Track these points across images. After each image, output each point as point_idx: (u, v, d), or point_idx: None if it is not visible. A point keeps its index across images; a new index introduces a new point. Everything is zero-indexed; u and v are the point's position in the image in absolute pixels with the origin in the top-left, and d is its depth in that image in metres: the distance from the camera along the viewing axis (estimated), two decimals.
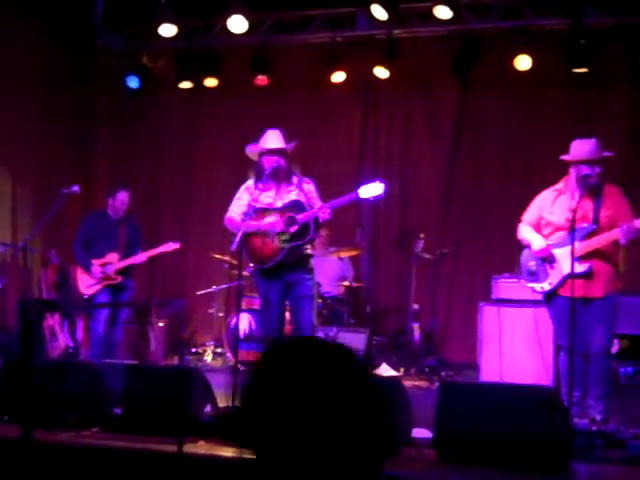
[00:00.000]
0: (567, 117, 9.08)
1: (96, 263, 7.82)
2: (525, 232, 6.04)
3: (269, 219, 6.04)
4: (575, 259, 5.51)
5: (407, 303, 8.48)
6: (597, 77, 8.77)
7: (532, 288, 6.03)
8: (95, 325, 7.84)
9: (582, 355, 5.68)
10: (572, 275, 5.42)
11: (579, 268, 5.60)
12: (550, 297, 5.94)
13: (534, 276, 5.98)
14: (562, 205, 5.79)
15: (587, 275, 5.64)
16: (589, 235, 5.66)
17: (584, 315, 5.63)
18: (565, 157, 5.86)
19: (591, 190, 5.71)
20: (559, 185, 5.96)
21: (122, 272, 7.87)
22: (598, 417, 5.49)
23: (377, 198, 5.84)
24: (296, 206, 6.07)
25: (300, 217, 5.97)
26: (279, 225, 6.01)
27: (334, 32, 9.55)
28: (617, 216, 5.64)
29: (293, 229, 5.98)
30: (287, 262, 6.07)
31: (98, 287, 7.81)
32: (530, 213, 6.07)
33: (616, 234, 5.58)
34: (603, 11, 8.58)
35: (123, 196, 8.05)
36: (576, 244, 5.54)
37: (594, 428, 4.79)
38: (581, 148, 5.82)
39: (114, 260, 7.84)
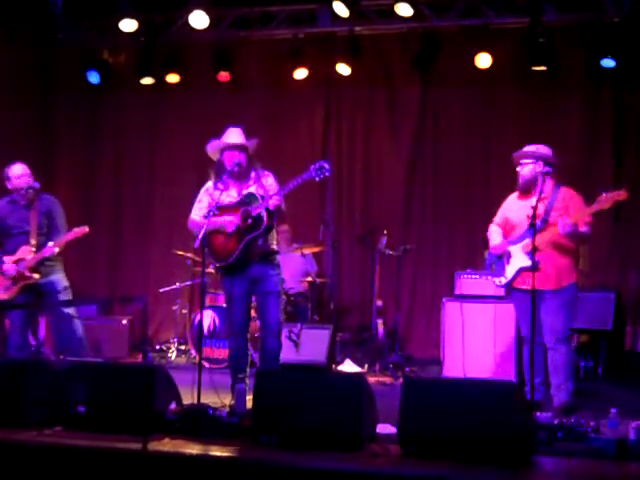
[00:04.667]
0: (527, 114, 9.18)
1: (8, 261, 6.85)
2: (490, 232, 6.54)
3: (227, 217, 6.05)
4: (527, 253, 6.00)
5: (371, 299, 8.50)
6: (556, 75, 8.87)
7: (494, 282, 6.47)
8: (11, 334, 6.96)
9: (540, 344, 6.03)
10: (523, 269, 6.12)
11: (528, 262, 6.01)
12: (509, 290, 6.41)
13: (496, 271, 6.45)
14: (520, 205, 6.27)
15: (536, 268, 5.79)
16: (538, 231, 5.89)
17: (539, 306, 5.98)
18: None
19: (522, 188, 6.27)
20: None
21: (38, 270, 6.86)
22: (562, 406, 5.93)
23: (324, 177, 5.88)
24: (250, 199, 6.09)
25: (254, 209, 6.00)
26: (236, 220, 6.03)
27: (296, 28, 9.54)
28: (568, 214, 5.98)
29: (249, 222, 6.00)
30: (251, 257, 6.08)
31: (14, 289, 6.84)
32: (498, 215, 6.55)
33: (557, 229, 5.95)
34: (562, 10, 8.69)
35: (16, 170, 6.88)
36: (527, 240, 6.00)
37: (556, 421, 4.85)
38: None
39: (27, 255, 6.81)
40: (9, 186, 6.98)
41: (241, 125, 6.32)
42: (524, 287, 6.07)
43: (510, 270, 6.28)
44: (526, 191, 6.24)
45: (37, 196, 6.97)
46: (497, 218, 6.53)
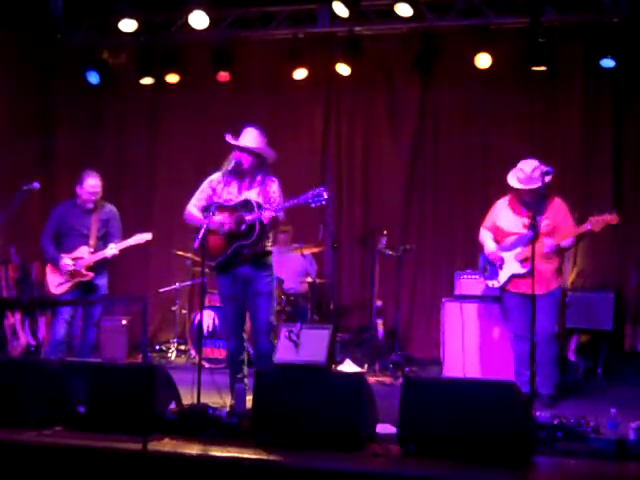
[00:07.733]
0: (527, 114, 9.17)
1: (66, 258, 7.25)
2: (482, 236, 7.07)
3: (219, 217, 6.03)
4: (520, 261, 6.66)
5: (370, 299, 8.51)
6: (556, 75, 8.87)
7: (486, 284, 7.03)
8: (55, 327, 7.29)
9: (530, 341, 6.19)
10: (514, 275, 6.72)
11: (520, 270, 6.66)
12: (502, 292, 6.92)
13: (488, 274, 6.98)
14: (514, 216, 6.79)
15: (527, 275, 6.39)
16: (530, 241, 6.28)
17: (529, 308, 6.10)
18: (513, 184, 6.73)
19: (533, 203, 6.56)
20: (508, 196, 6.91)
21: (93, 269, 7.27)
22: (547, 396, 6.47)
23: (319, 205, 5.86)
24: (246, 205, 6.07)
25: (248, 217, 5.98)
26: (230, 223, 6.02)
27: (295, 29, 9.53)
28: (557, 225, 6.56)
29: (242, 228, 5.99)
30: (239, 262, 6.08)
31: (68, 285, 7.24)
32: (487, 219, 7.04)
33: (544, 245, 6.46)
34: (562, 10, 8.68)
35: (92, 181, 7.35)
36: (519, 249, 6.69)
37: (556, 421, 4.85)
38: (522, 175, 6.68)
39: (85, 254, 7.25)
40: (78, 190, 7.40)
41: (242, 123, 6.31)
42: (517, 291, 6.71)
43: (503, 275, 6.81)
44: (530, 204, 6.60)
45: (100, 204, 7.43)
46: (487, 222, 7.02)
